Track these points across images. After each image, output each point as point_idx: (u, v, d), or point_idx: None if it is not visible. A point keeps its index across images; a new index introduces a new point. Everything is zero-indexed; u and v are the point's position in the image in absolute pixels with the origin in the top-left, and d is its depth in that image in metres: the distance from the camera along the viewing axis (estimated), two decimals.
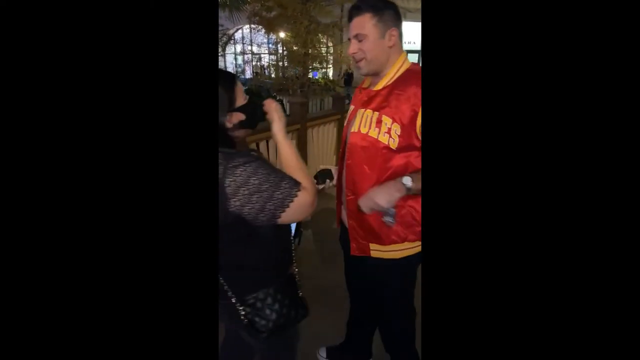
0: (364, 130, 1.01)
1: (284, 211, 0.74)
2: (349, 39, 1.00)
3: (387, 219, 0.96)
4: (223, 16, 10.30)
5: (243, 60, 15.22)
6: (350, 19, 0.98)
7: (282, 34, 8.29)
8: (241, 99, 0.81)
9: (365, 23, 0.94)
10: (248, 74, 12.97)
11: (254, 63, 14.39)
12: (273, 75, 9.39)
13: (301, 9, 6.65)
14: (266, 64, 12.99)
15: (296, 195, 0.75)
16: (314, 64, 7.81)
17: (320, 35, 7.60)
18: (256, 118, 0.87)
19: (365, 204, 0.94)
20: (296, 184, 0.77)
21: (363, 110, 1.04)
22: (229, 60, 15.42)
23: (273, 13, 7.61)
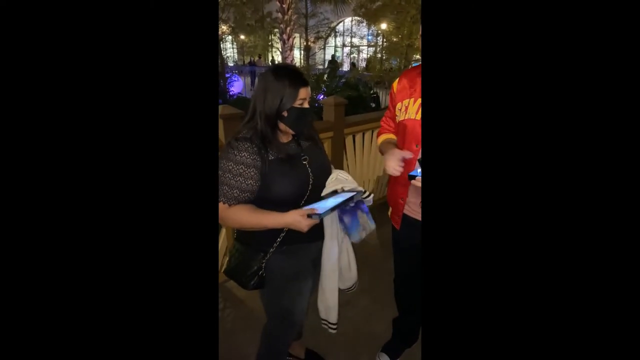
0: None
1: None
2: None
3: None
4: (328, 9, 10.60)
5: (342, 52, 15.44)
6: None
7: (383, 26, 8.10)
8: (297, 102, 0.89)
9: None
10: (346, 67, 13.10)
11: (353, 55, 14.47)
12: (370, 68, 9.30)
13: None
14: (365, 57, 12.92)
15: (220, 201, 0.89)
16: (416, 56, 7.45)
17: None
18: (301, 125, 0.92)
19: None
20: (225, 197, 0.88)
21: None
22: (329, 52, 15.84)
23: (377, 4, 7.48)
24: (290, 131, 0.91)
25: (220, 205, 0.88)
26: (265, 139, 0.88)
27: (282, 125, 0.90)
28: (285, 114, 0.87)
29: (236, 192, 0.87)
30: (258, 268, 0.96)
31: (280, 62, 5.52)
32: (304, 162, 0.93)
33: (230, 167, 0.86)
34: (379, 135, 1.21)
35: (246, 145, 0.86)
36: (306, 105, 0.89)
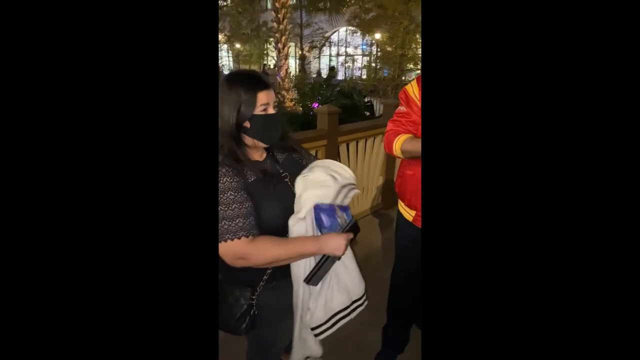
0: None
1: (220, 242, 0.74)
2: None
3: None
4: (323, 19, 10.76)
5: (337, 62, 15.62)
6: None
7: (377, 35, 8.25)
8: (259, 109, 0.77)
9: None
10: (340, 76, 13.25)
11: (347, 64, 14.64)
12: (365, 77, 9.43)
13: (402, 9, 6.51)
14: (360, 66, 13.09)
15: (225, 240, 0.74)
16: (409, 65, 7.57)
17: (418, 36, 7.32)
18: (269, 135, 0.79)
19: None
20: (232, 232, 0.74)
21: None
22: (324, 61, 15.99)
23: (371, 14, 7.62)
24: (261, 144, 0.80)
25: (235, 243, 0.74)
26: (235, 159, 0.77)
27: (248, 140, 0.78)
28: (247, 124, 0.76)
29: (240, 221, 0.74)
30: (249, 306, 0.83)
31: (276, 69, 5.52)
32: (286, 180, 0.83)
33: (219, 199, 0.75)
34: (395, 135, 1.10)
35: (223, 171, 0.75)
36: (271, 110, 0.78)
